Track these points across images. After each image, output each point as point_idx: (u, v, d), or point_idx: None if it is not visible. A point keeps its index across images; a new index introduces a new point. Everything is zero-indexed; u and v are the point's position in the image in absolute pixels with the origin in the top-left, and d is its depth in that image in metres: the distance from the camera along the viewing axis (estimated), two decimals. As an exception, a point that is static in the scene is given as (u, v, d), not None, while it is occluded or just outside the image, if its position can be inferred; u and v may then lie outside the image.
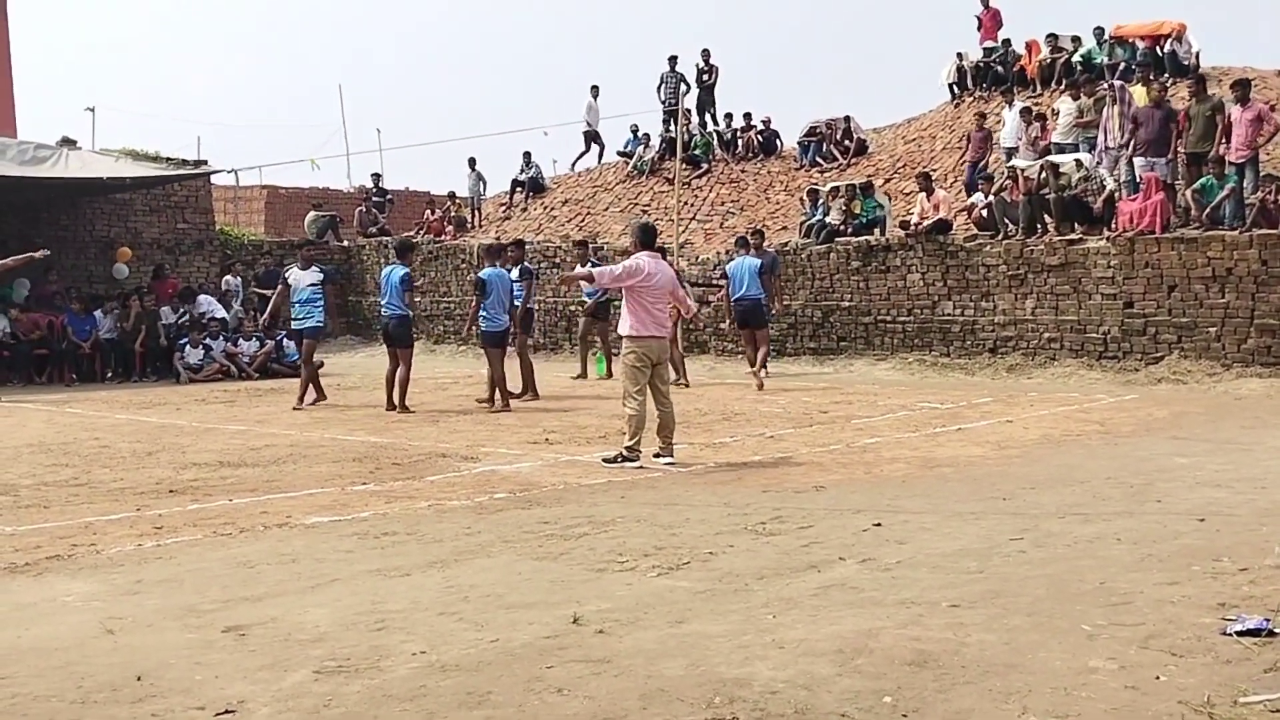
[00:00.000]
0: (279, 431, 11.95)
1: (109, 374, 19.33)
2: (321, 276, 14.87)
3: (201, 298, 20.62)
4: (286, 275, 15.04)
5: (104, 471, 9.39)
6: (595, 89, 28.07)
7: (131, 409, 14.54)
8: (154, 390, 17.43)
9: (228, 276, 22.57)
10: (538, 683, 4.18)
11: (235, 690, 4.16)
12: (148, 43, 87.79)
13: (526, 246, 18.44)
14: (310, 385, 14.55)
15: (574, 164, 28.53)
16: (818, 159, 24.75)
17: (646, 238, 9.94)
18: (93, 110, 31.07)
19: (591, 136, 27.93)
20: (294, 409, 14.01)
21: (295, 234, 27.46)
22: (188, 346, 19.21)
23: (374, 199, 28.37)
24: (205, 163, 23.51)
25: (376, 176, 29.59)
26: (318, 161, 29.43)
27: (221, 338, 19.69)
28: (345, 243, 26.61)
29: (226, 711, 3.95)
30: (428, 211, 27.90)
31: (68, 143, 21.38)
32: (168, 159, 22.42)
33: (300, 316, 14.77)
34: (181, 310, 20.27)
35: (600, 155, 28.03)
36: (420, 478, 8.96)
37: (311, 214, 27.22)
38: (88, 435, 11.78)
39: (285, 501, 8.01)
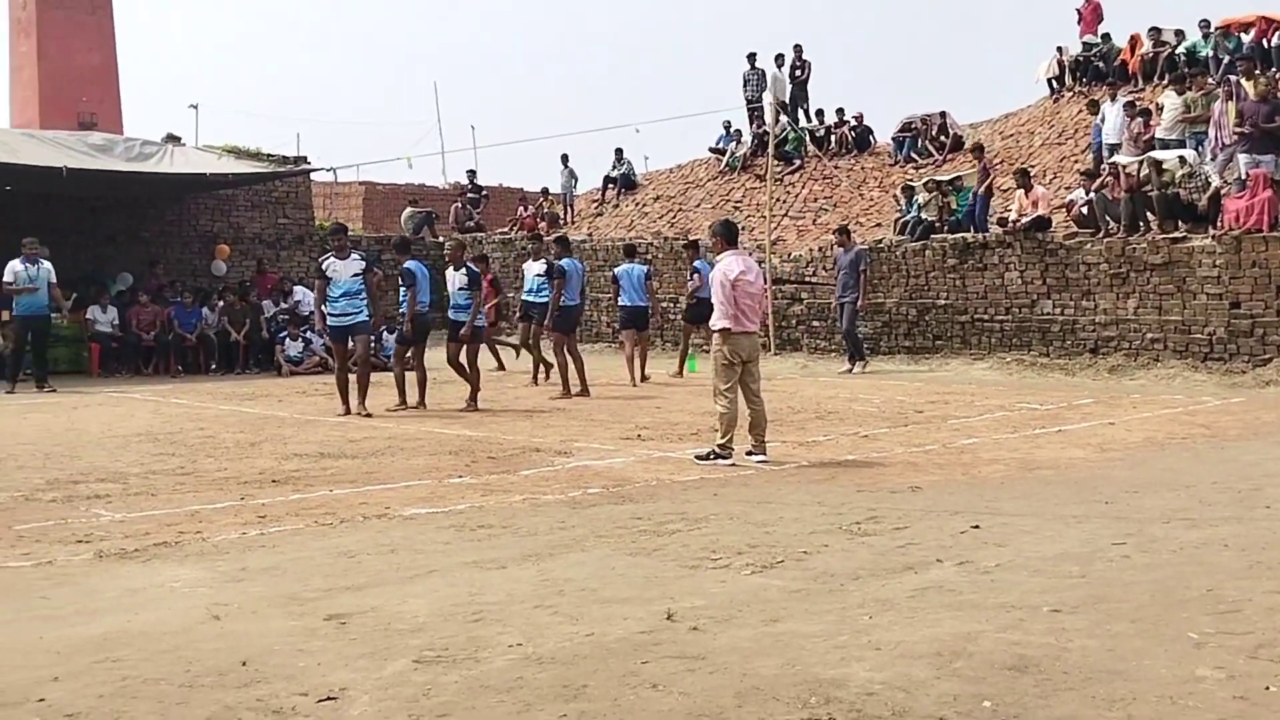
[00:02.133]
0: (377, 424, 12.14)
1: (213, 366, 19.79)
2: (364, 265, 13.10)
3: (297, 290, 21.01)
4: (324, 267, 13.09)
5: (209, 461, 9.62)
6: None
7: (235, 400, 14.87)
8: (256, 382, 17.82)
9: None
10: (632, 678, 4.20)
11: (337, 677, 4.24)
12: (250, 41, 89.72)
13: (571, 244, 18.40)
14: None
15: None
16: (912, 155, 24.49)
17: (730, 235, 9.92)
18: (196, 107, 31.87)
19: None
20: (391, 409, 13.35)
21: (392, 230, 27.85)
22: (288, 340, 19.60)
23: (469, 195, 28.69)
24: (305, 159, 23.97)
25: (471, 173, 29.92)
26: (412, 159, 29.84)
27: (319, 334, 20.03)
28: (440, 239, 26.93)
29: (329, 698, 4.03)
30: (521, 208, 28.15)
31: (173, 139, 21.95)
32: (269, 156, 22.90)
33: (345, 312, 12.92)
34: (281, 304, 20.69)
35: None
36: (515, 472, 9.04)
37: (408, 210, 27.61)
38: (193, 425, 12.07)
39: (384, 493, 8.14)
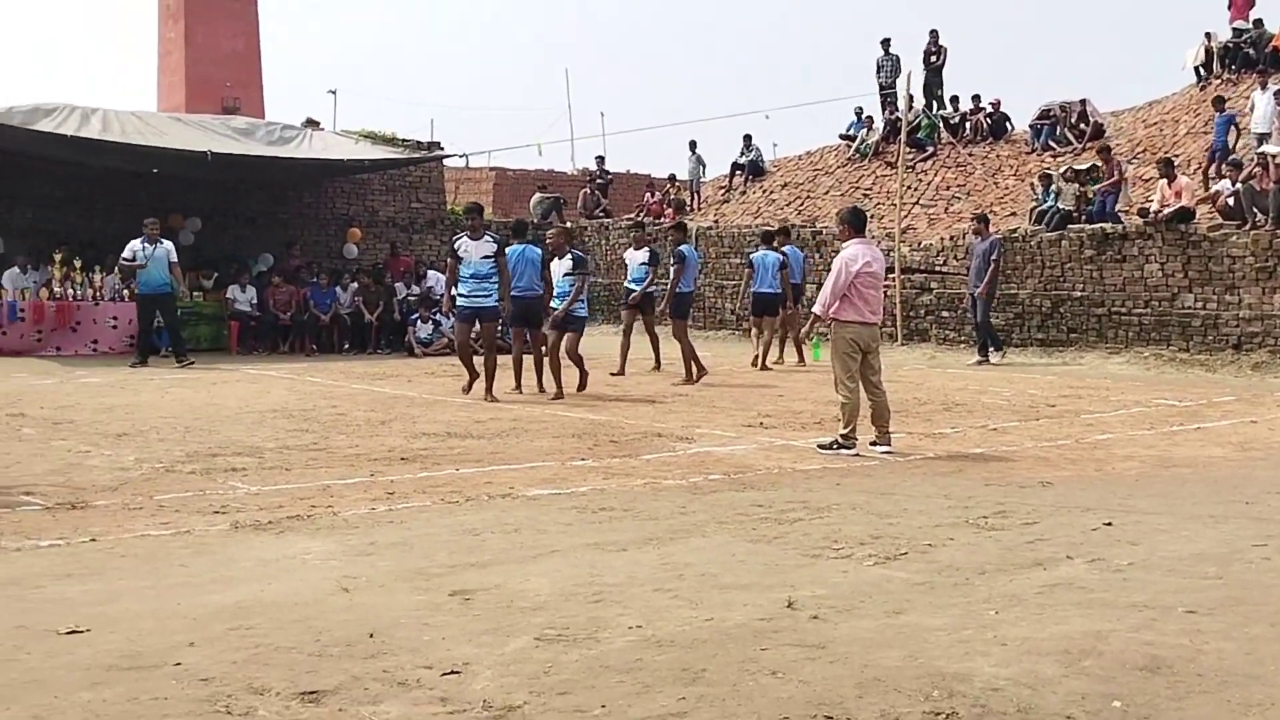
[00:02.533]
0: (502, 405, 12.29)
1: (346, 345, 20.26)
2: (495, 248, 12.69)
3: (431, 274, 21.38)
4: (456, 246, 12.85)
5: (341, 438, 9.86)
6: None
7: (366, 379, 15.21)
8: (387, 362, 18.19)
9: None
10: (752, 664, 4.18)
11: (461, 652, 4.31)
12: (387, 28, 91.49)
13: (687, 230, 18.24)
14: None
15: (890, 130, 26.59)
16: (1050, 143, 23.88)
17: (858, 222, 9.77)
18: (334, 93, 32.78)
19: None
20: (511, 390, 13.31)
21: (520, 214, 28.14)
22: (419, 321, 19.97)
23: (597, 181, 28.86)
24: (438, 145, 24.36)
25: (600, 159, 30.07)
26: (542, 146, 30.09)
27: (449, 316, 20.38)
28: (569, 224, 27.13)
29: (452, 672, 4.09)
30: (648, 194, 28.21)
31: (312, 124, 22.49)
32: (403, 141, 23.34)
33: (475, 294, 12.63)
34: (414, 287, 21.08)
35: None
36: (636, 456, 9.08)
37: (536, 196, 27.88)
38: (326, 403, 12.38)
39: (508, 473, 8.24)
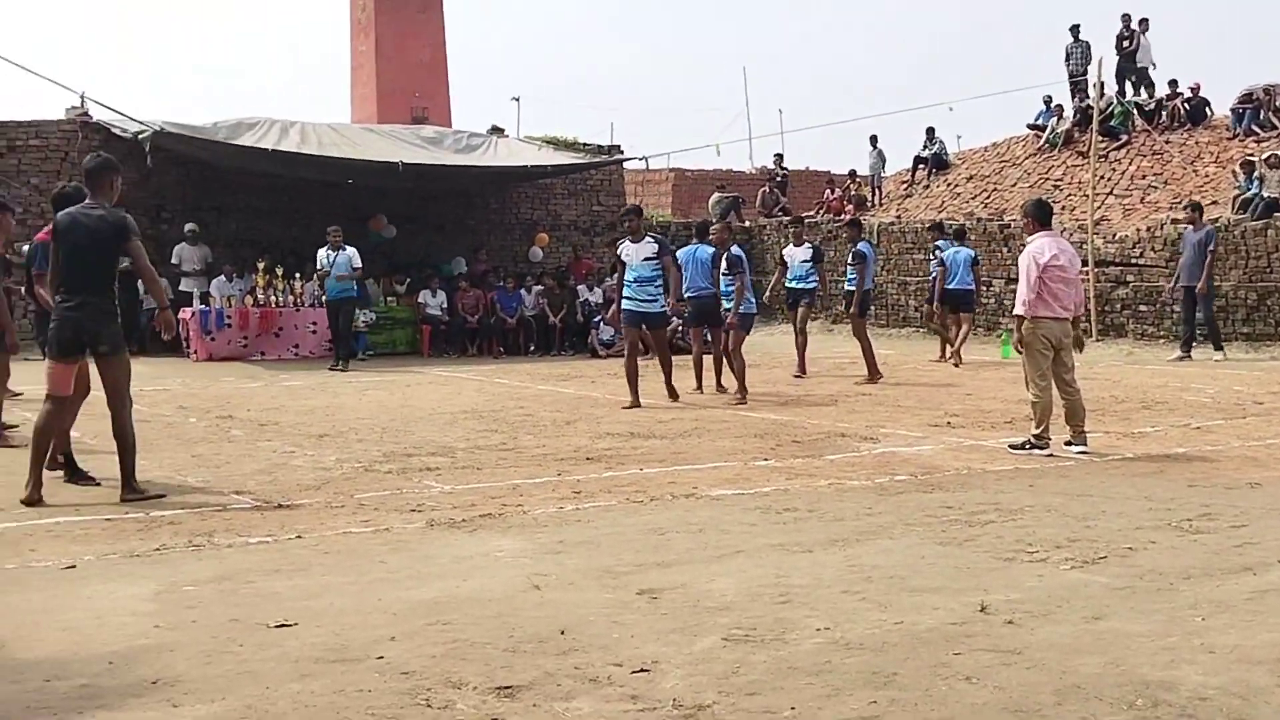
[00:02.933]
0: (684, 406, 12.36)
1: (531, 348, 20.68)
2: (657, 248, 12.28)
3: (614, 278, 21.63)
4: (619, 251, 12.60)
5: (529, 438, 10.07)
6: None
7: (551, 381, 15.49)
8: (571, 364, 18.49)
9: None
10: (944, 668, 4.11)
11: (649, 650, 4.36)
12: (567, 34, 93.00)
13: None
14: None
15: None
16: (1253, 127, 22.68)
17: (1043, 215, 9.47)
18: (518, 100, 33.32)
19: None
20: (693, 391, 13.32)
21: (699, 215, 28.23)
22: (601, 323, 20.23)
23: (776, 179, 28.74)
24: (619, 148, 24.64)
25: (779, 157, 29.94)
26: (720, 146, 30.12)
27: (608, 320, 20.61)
28: (747, 223, 27.10)
29: (642, 670, 4.14)
30: (827, 190, 27.96)
31: (496, 131, 23.03)
32: (584, 145, 23.68)
33: (638, 298, 12.25)
34: (596, 289, 21.38)
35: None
36: (820, 456, 9.00)
37: (715, 195, 27.92)
38: (514, 404, 12.65)
39: (692, 473, 8.28)
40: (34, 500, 7.15)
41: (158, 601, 5.11)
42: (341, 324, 17.33)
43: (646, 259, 12.23)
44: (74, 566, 5.73)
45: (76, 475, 7.84)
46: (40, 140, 19.65)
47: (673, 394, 12.52)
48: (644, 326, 12.57)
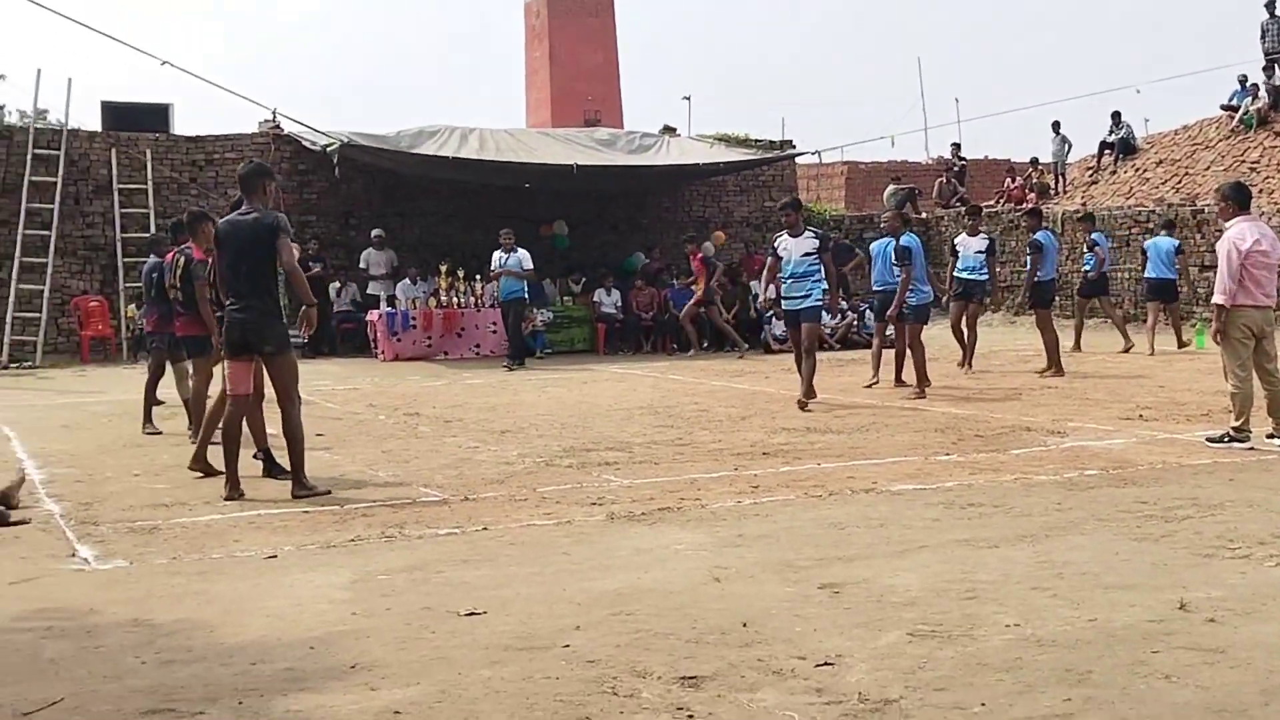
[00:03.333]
0: (861, 401, 12.22)
1: (704, 344, 20.71)
2: (817, 243, 11.82)
3: None
4: (776, 245, 12.14)
5: (704, 433, 10.10)
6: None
7: (725, 377, 15.50)
8: (744, 360, 18.46)
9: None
10: (1142, 666, 3.97)
11: (833, 644, 4.33)
12: (736, 31, 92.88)
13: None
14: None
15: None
16: None
17: (1242, 198, 9.02)
18: (689, 99, 33.34)
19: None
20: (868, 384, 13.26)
21: (874, 208, 27.88)
22: (773, 319, 20.14)
23: (954, 169, 28.15)
24: (791, 144, 24.48)
25: (955, 146, 29.31)
26: (895, 137, 29.70)
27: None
28: (924, 214, 26.61)
29: (826, 663, 4.12)
30: (1008, 179, 27.24)
31: (668, 131, 23.15)
32: (755, 142, 23.61)
33: (793, 294, 11.79)
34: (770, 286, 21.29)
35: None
36: (1004, 450, 8.79)
37: (890, 187, 27.50)
38: (688, 400, 12.71)
39: (870, 467, 8.18)
40: (233, 496, 7.50)
41: (354, 589, 5.31)
42: (511, 324, 17.65)
43: (805, 254, 11.74)
44: (275, 556, 6.00)
45: (274, 470, 8.20)
46: (235, 153, 20.59)
47: (808, 396, 11.57)
48: (800, 323, 11.88)
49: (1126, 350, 16.59)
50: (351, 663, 4.29)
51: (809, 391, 11.57)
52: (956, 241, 15.65)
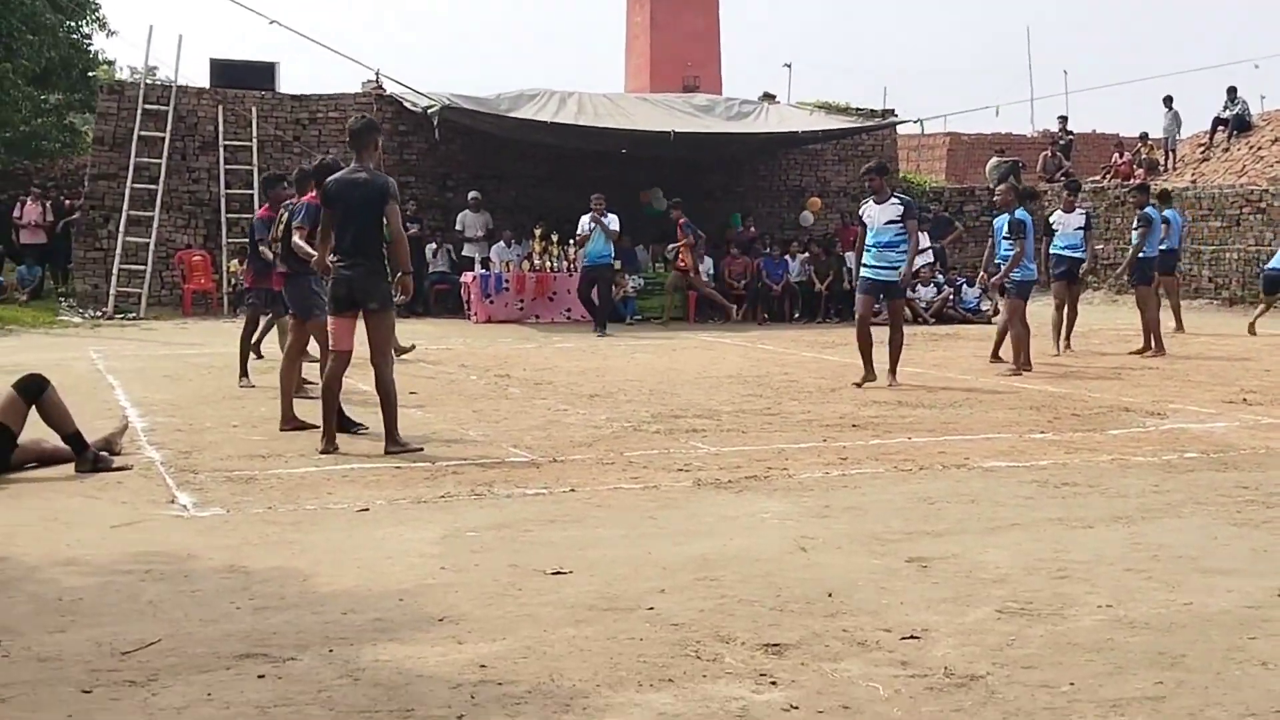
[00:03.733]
0: (955, 376, 12.06)
1: (796, 314, 20.59)
2: (902, 210, 11.05)
3: None
4: (861, 212, 11.51)
5: (793, 403, 10.05)
6: None
7: (816, 348, 15.39)
8: (836, 331, 18.28)
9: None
10: (1238, 653, 3.88)
11: (919, 618, 4.29)
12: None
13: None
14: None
15: None
16: None
17: None
18: (789, 66, 32.97)
19: None
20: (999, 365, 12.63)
21: (975, 181, 27.42)
22: (868, 290, 19.96)
23: (1059, 143, 27.56)
24: (892, 112, 24.10)
25: (1062, 119, 28.68)
26: (1000, 108, 29.14)
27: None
28: (1027, 186, 26.07)
29: (912, 636, 4.09)
30: (1115, 154, 26.59)
31: (768, 98, 22.93)
32: (857, 110, 23.28)
33: (877, 265, 11.12)
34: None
35: None
36: (1101, 430, 8.61)
37: (993, 160, 27.01)
38: (778, 370, 12.65)
39: (963, 443, 8.07)
40: (329, 450, 7.64)
41: (443, 545, 5.39)
42: (600, 290, 17.58)
43: (890, 222, 11.02)
44: (367, 510, 6.11)
45: (346, 424, 8.30)
46: (338, 113, 20.86)
47: (893, 376, 11.11)
48: (881, 296, 11.46)
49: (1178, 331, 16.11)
50: (439, 616, 4.36)
51: (894, 371, 11.10)
52: (1053, 219, 15.14)
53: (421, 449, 7.73)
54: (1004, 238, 12.55)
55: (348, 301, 7.79)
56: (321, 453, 7.61)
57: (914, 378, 11.77)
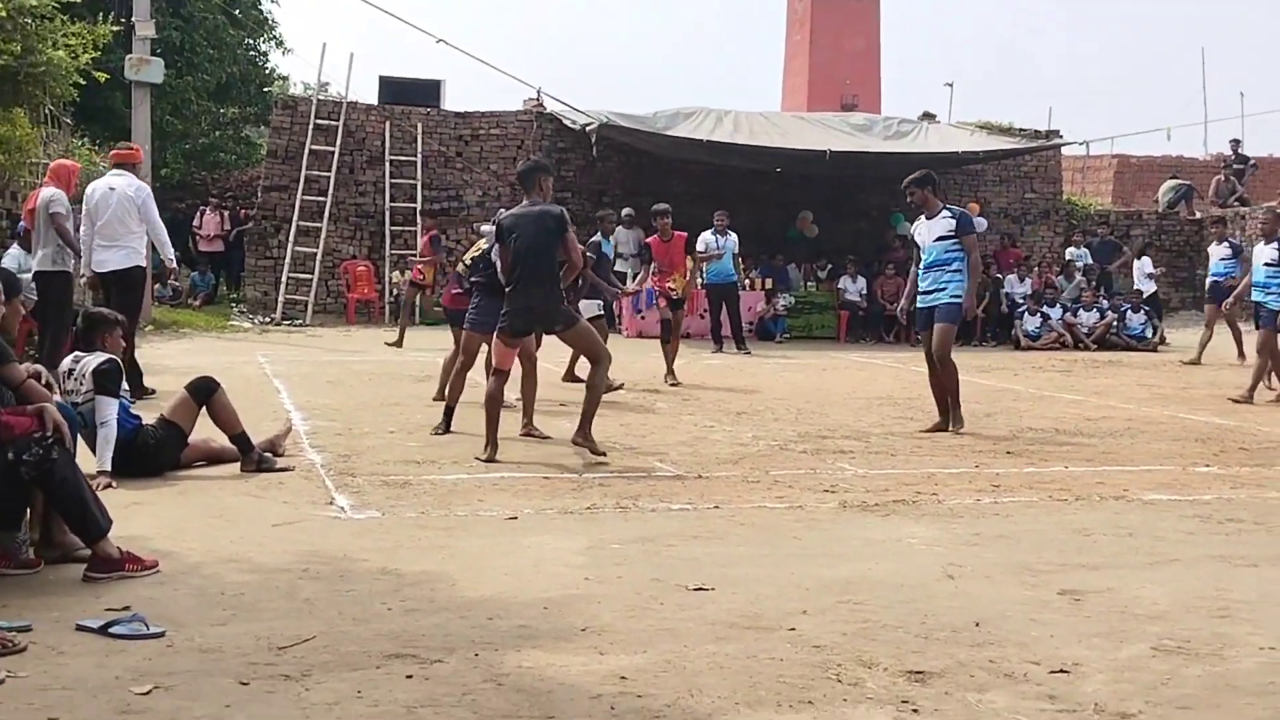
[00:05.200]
0: (1116, 404, 11.69)
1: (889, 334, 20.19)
2: (955, 223, 9.74)
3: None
4: (914, 232, 10.25)
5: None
6: None
7: (970, 371, 14.97)
8: (992, 355, 17.92)
9: (1070, 248, 22.44)
10: None
11: (1070, 652, 4.17)
12: (1004, 16, 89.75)
13: None
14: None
15: None
16: None
17: None
18: (951, 85, 32.37)
19: None
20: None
21: (1142, 204, 26.55)
22: (1026, 314, 19.50)
23: (1233, 166, 26.49)
24: (1057, 133, 23.50)
25: (1235, 142, 27.56)
26: (1172, 130, 28.17)
27: (1060, 307, 19.73)
28: (1198, 214, 25.15)
29: (1061, 670, 3.98)
30: (1294, 179, 25.45)
31: (928, 117, 22.61)
32: (1019, 130, 22.76)
33: (928, 289, 9.69)
34: (1026, 281, 20.59)
35: None
36: (1270, 465, 8.24)
37: (1167, 183, 26.11)
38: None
39: (1122, 474, 7.82)
40: (490, 459, 7.79)
41: (587, 555, 5.45)
42: (730, 309, 17.14)
43: (940, 238, 9.70)
44: (515, 518, 6.22)
45: (447, 429, 8.80)
46: (500, 129, 21.34)
47: (944, 420, 9.61)
48: (932, 325, 9.69)
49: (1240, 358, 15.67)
50: (582, 626, 4.41)
51: (956, 414, 9.52)
52: (1209, 249, 15.96)
53: (605, 454, 7.87)
54: (1266, 264, 11.95)
55: (524, 331, 8.16)
56: (482, 460, 7.74)
57: (1074, 405, 11.46)
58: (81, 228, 10.56)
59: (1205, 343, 15.96)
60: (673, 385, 12.55)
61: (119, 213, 10.38)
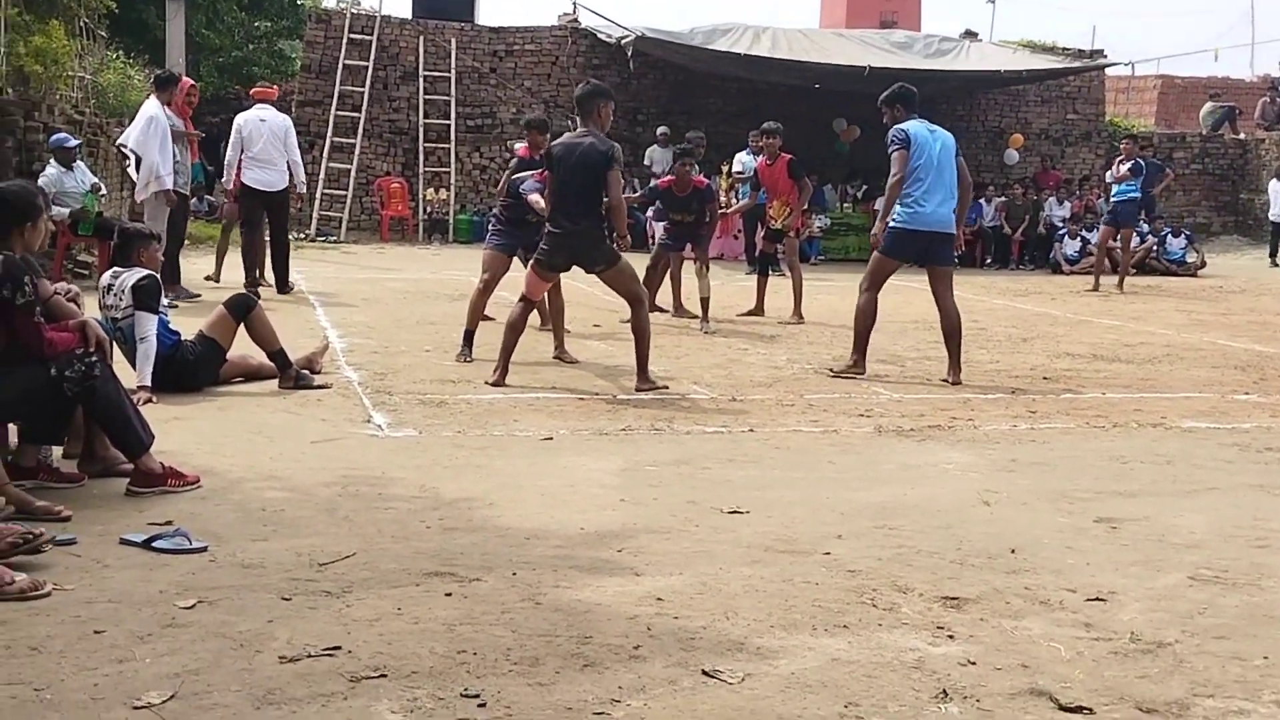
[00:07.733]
0: (1155, 330, 11.58)
1: (988, 260, 20.04)
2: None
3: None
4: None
5: (981, 353, 9.80)
6: None
7: (1008, 296, 14.96)
8: (1030, 279, 17.78)
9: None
10: None
11: (1106, 580, 4.17)
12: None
13: None
14: None
15: None
16: None
17: None
18: (993, 2, 31.78)
19: None
20: None
21: (1187, 126, 26.09)
22: (1066, 238, 19.28)
23: (1279, 89, 25.93)
24: (1101, 53, 23.00)
25: (1285, 63, 26.95)
26: (1219, 51, 27.56)
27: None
28: (1242, 135, 24.68)
29: (1098, 599, 3.98)
30: (1344, 101, 24.89)
31: (969, 35, 22.18)
32: (1063, 50, 22.30)
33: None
34: (1065, 203, 20.32)
35: None
36: (1313, 395, 8.17)
37: (1208, 105, 25.62)
38: (967, 318, 12.06)
39: (1160, 401, 7.76)
40: (497, 383, 7.62)
41: (623, 477, 5.48)
42: (747, 231, 17.05)
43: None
44: (551, 438, 6.24)
45: (468, 356, 8.44)
46: (534, 45, 21.10)
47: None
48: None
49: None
50: (618, 547, 4.44)
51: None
52: (1271, 186, 14.91)
53: (667, 387, 7.68)
54: None
55: (563, 266, 7.87)
56: (489, 384, 7.61)
57: (1112, 330, 11.36)
58: (228, 151, 12.42)
59: None
60: (795, 322, 11.64)
61: (272, 140, 12.15)
